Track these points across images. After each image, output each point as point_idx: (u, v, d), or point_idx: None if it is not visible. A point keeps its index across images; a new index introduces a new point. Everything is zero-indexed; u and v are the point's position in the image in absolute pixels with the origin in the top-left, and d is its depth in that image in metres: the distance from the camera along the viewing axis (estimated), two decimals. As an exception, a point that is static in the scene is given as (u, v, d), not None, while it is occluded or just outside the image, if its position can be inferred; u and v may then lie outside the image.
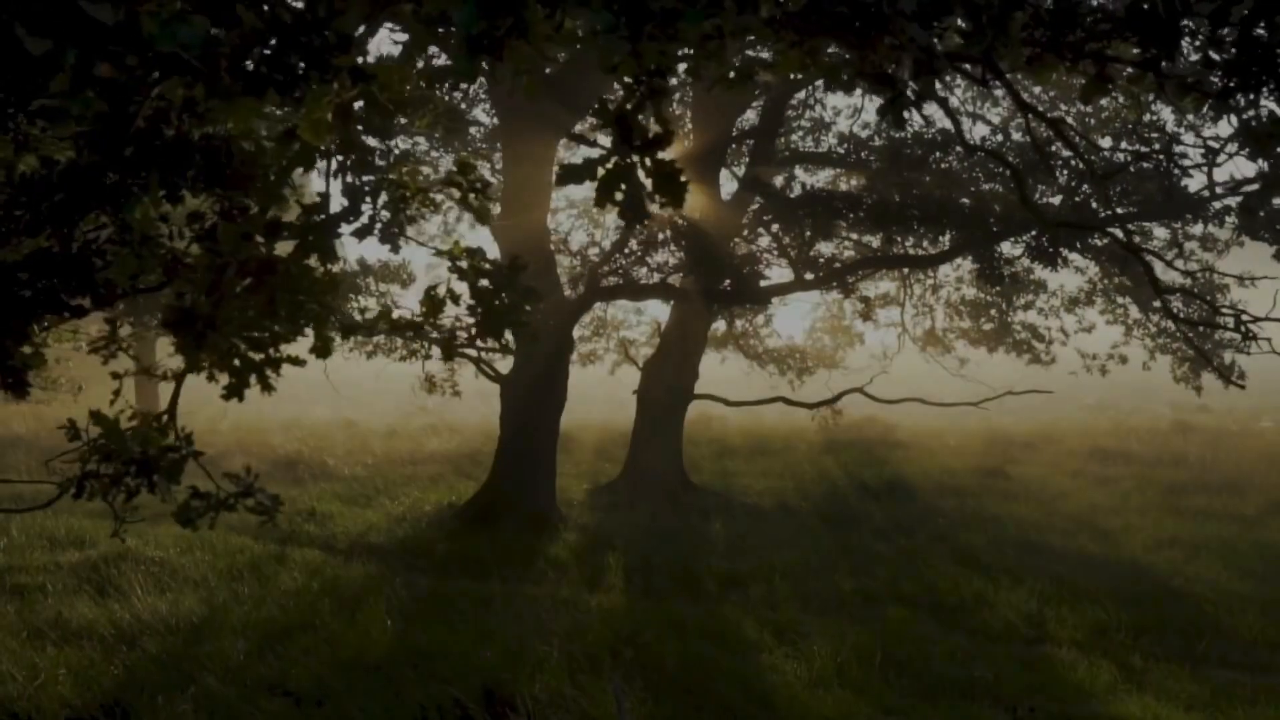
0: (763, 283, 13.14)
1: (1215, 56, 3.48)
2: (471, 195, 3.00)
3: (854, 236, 12.85)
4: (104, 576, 10.16)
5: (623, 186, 2.29)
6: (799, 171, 17.95)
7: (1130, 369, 17.35)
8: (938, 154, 11.30)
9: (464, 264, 2.98)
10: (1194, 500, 15.45)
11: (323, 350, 2.96)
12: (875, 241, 12.72)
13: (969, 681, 7.87)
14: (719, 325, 21.58)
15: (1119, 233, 10.11)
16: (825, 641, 8.54)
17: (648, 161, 2.30)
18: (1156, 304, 13.50)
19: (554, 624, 8.84)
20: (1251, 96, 3.48)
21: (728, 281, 11.82)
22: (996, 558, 11.90)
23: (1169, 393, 21.58)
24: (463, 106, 14.68)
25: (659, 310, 21.04)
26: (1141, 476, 17.44)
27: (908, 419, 23.89)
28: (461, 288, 3.02)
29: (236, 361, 2.97)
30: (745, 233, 14.13)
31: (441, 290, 3.07)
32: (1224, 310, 12.07)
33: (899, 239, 11.75)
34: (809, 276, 12.42)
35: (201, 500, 3.96)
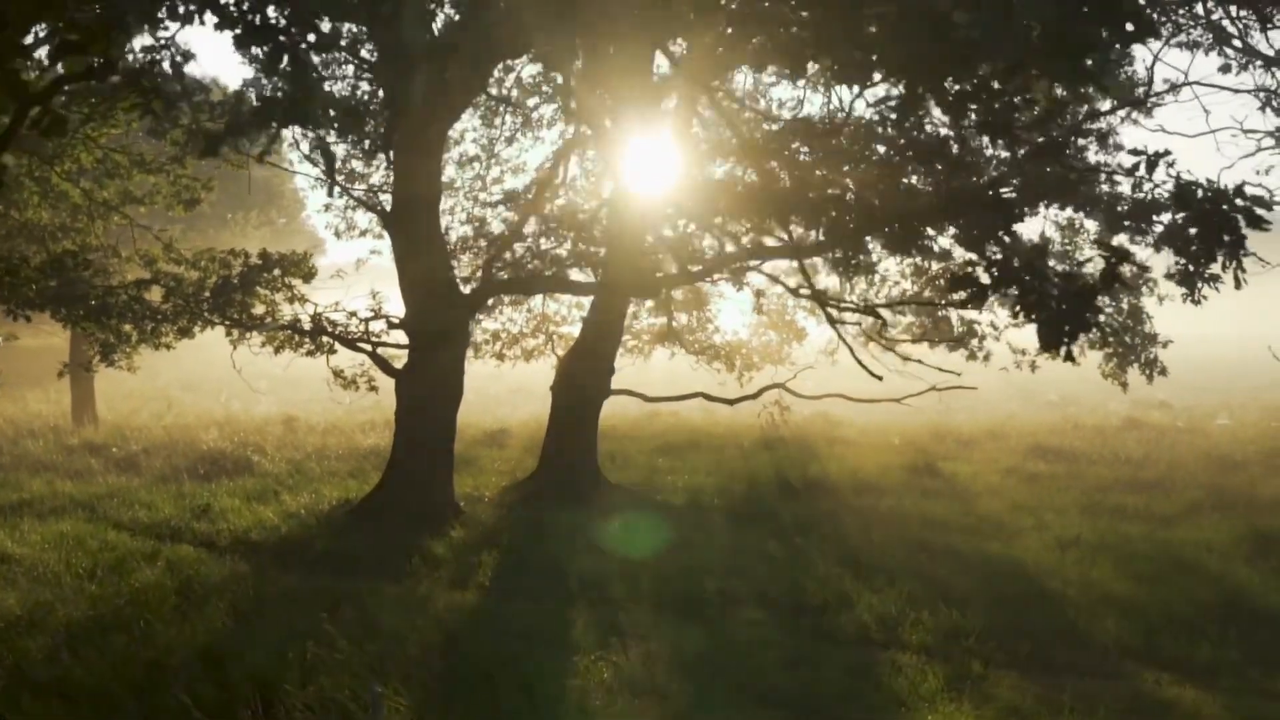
0: (659, 274, 12.84)
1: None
2: None
3: (742, 227, 12.54)
4: (-54, 574, 10.01)
5: None
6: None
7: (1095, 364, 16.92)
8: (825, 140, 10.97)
9: None
10: (1117, 499, 15.04)
11: None
12: (753, 232, 12.40)
13: (784, 688, 7.57)
14: (660, 321, 21.32)
15: None
16: (652, 645, 8.26)
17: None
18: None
19: (381, 624, 8.58)
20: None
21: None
22: (881, 558, 11.56)
23: (1133, 389, 21.12)
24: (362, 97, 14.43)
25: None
26: (1072, 474, 17.03)
27: (860, 416, 23.48)
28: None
29: None
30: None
31: None
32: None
33: (770, 229, 11.43)
34: (694, 269, 12.11)
35: None
